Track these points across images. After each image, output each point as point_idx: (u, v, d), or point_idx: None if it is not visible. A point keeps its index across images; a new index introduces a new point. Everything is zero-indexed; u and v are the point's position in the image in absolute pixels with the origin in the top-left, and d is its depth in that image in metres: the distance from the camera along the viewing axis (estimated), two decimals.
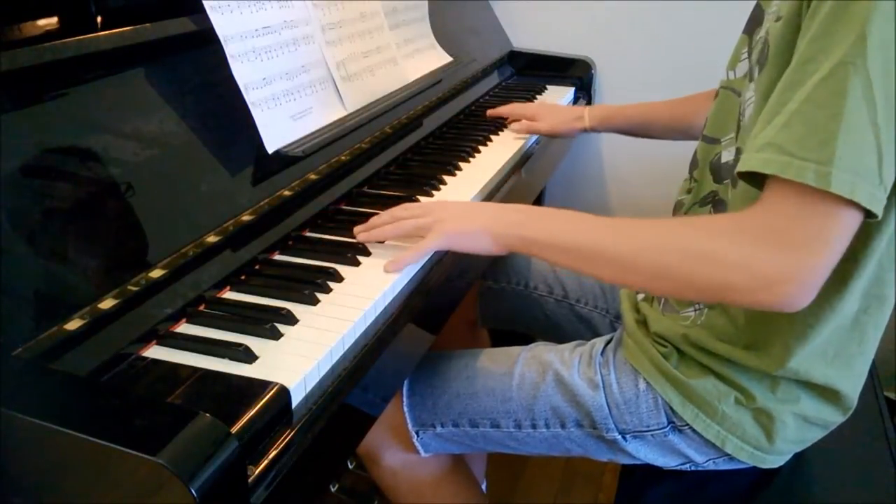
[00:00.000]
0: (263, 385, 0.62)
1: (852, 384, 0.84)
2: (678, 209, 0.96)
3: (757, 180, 0.68)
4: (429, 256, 0.86)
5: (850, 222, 0.64)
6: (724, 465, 0.89)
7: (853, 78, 0.61)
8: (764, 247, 0.65)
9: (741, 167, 0.67)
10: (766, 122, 0.67)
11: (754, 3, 0.86)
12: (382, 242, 0.89)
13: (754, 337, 0.81)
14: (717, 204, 0.86)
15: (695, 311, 0.87)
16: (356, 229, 0.89)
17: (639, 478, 0.96)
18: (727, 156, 0.85)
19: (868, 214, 0.64)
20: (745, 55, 0.84)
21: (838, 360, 0.82)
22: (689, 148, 0.97)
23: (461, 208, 0.88)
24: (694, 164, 0.93)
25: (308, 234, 0.93)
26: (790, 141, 0.63)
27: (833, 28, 0.63)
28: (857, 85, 0.61)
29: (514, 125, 1.33)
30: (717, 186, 0.87)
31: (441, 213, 0.86)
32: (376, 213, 0.92)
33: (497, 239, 0.82)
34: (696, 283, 0.70)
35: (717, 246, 0.68)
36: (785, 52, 0.70)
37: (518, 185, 1.19)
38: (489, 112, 1.36)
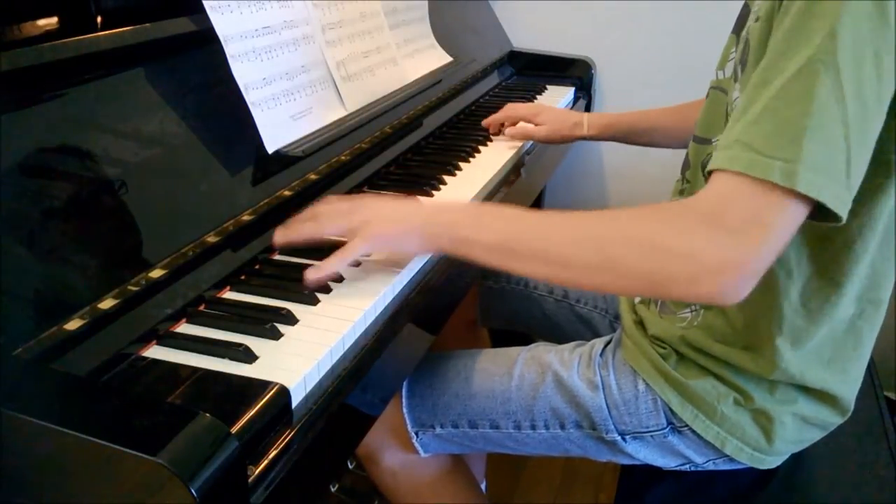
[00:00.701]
0: (263, 385, 0.62)
1: (848, 388, 0.84)
2: None
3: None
4: (352, 260, 0.79)
5: (796, 216, 0.63)
6: (723, 466, 0.89)
7: (822, 76, 0.60)
8: (706, 233, 0.63)
9: (711, 165, 0.66)
10: (735, 119, 0.66)
11: None
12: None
13: (749, 339, 0.81)
14: None
15: (691, 312, 0.87)
16: (276, 231, 0.81)
17: (638, 478, 0.96)
18: None
19: (827, 216, 0.62)
20: (733, 54, 0.84)
21: (834, 364, 0.82)
22: None
23: (390, 208, 0.80)
24: (686, 165, 0.93)
25: None
26: (758, 138, 0.62)
27: (803, 26, 0.62)
28: (826, 83, 0.60)
29: (510, 130, 1.29)
30: None
31: (368, 213, 0.79)
32: None
33: (427, 240, 0.77)
34: (638, 274, 0.67)
35: (657, 232, 0.66)
36: (761, 52, 0.70)
37: (518, 184, 1.19)
38: (484, 122, 1.32)
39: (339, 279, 0.81)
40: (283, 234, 0.81)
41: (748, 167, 0.62)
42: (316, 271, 0.76)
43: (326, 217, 0.80)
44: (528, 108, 1.31)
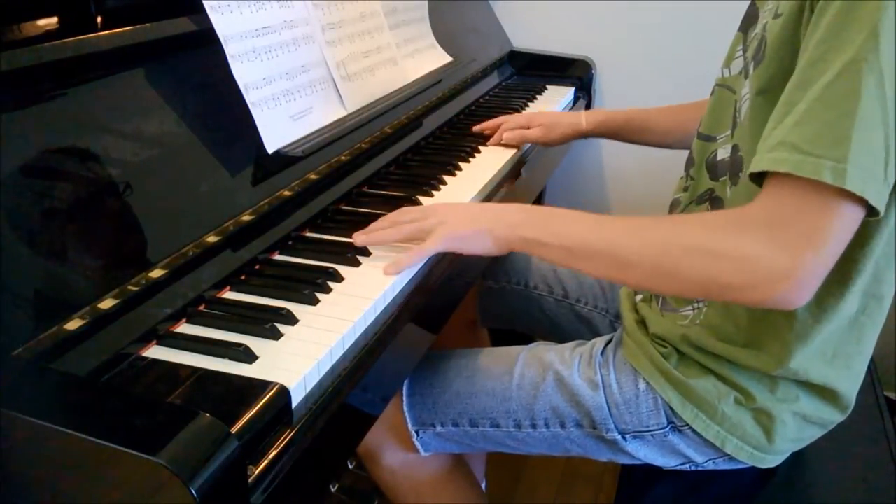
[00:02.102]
0: (263, 385, 0.62)
1: (850, 384, 0.84)
2: (674, 207, 0.96)
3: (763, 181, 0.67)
4: (428, 257, 0.85)
5: (852, 219, 0.64)
6: (723, 465, 0.89)
7: (866, 75, 0.61)
8: (765, 242, 0.65)
9: (753, 167, 0.66)
10: (776, 122, 0.66)
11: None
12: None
13: (754, 336, 0.81)
14: (713, 201, 0.87)
15: (693, 309, 0.87)
16: (355, 234, 0.88)
17: (639, 478, 0.96)
18: (723, 153, 0.85)
19: (871, 212, 0.63)
20: (740, 52, 0.84)
21: (837, 360, 0.82)
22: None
23: (461, 210, 0.88)
24: (690, 163, 0.93)
25: (308, 234, 0.93)
26: (803, 139, 0.63)
27: (843, 27, 0.62)
28: (870, 82, 0.61)
29: (507, 134, 1.28)
30: (714, 184, 0.87)
31: (441, 215, 0.85)
32: (376, 213, 0.92)
33: (498, 240, 0.82)
34: (697, 281, 0.70)
35: (717, 242, 0.68)
36: (783, 50, 0.70)
37: (518, 184, 1.19)
38: (475, 128, 1.30)
39: (340, 279, 0.81)
40: (365, 239, 0.87)
41: (796, 167, 0.62)
42: (394, 266, 0.82)
43: (403, 221, 0.86)
44: (523, 116, 1.31)
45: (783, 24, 0.70)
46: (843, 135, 0.61)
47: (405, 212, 0.89)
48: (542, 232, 0.79)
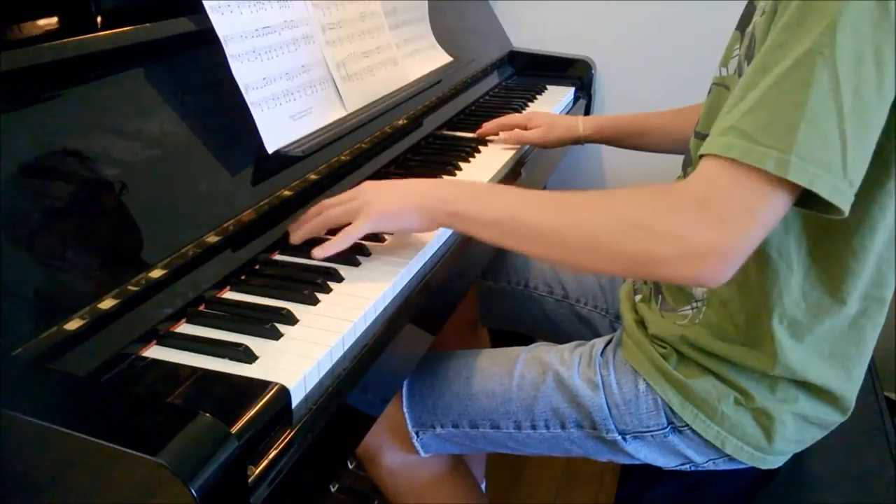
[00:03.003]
0: (263, 385, 0.62)
1: (850, 386, 0.84)
2: None
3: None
4: (356, 239, 0.82)
5: (783, 206, 0.64)
6: (723, 466, 0.89)
7: (820, 67, 0.60)
8: (696, 218, 0.65)
9: (704, 150, 0.66)
10: (732, 106, 0.66)
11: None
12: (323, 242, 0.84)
13: (750, 334, 0.81)
14: None
15: (692, 309, 0.87)
16: (290, 233, 0.86)
17: (638, 478, 0.96)
18: None
19: (828, 209, 0.63)
20: (737, 51, 0.84)
21: (835, 361, 0.82)
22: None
23: (388, 187, 0.85)
24: (687, 161, 0.93)
25: None
26: (754, 126, 0.63)
27: (804, 16, 0.62)
28: (823, 74, 0.60)
29: (504, 135, 1.28)
30: None
31: (368, 194, 0.83)
32: None
33: (425, 215, 0.80)
34: (625, 255, 0.69)
35: (647, 217, 0.67)
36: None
37: (518, 184, 1.19)
38: (477, 133, 1.30)
39: (340, 279, 0.81)
40: (296, 233, 0.85)
41: (743, 154, 0.63)
42: (322, 250, 0.81)
43: (330, 206, 0.84)
44: (521, 116, 1.31)
45: (765, 22, 0.70)
46: (791, 125, 0.61)
47: (335, 198, 0.87)
48: (470, 206, 0.78)
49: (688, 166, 0.92)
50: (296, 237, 0.86)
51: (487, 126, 1.30)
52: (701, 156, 0.67)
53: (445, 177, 1.10)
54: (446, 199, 0.79)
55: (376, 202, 0.82)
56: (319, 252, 0.81)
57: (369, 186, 0.85)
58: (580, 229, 0.71)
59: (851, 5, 0.60)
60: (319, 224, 0.84)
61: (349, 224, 0.82)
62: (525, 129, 1.28)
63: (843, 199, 0.62)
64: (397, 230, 0.84)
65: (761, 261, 0.77)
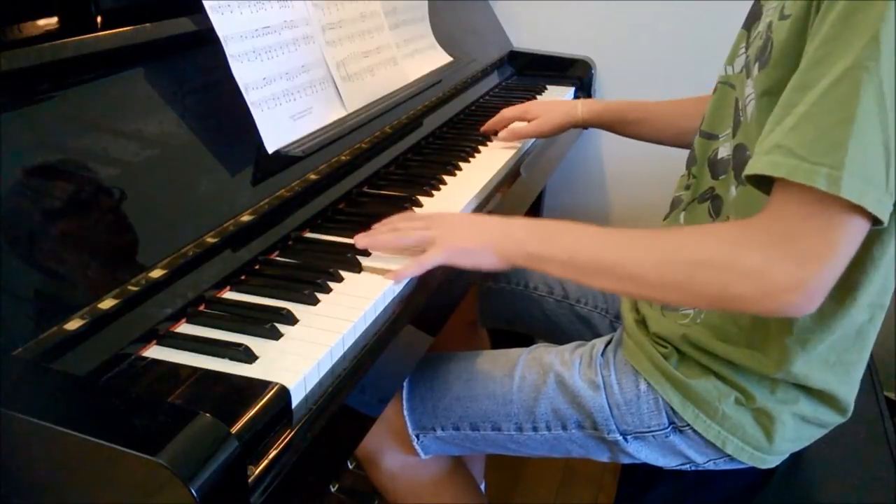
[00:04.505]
0: (263, 385, 0.62)
1: (850, 388, 0.84)
2: (676, 206, 0.96)
3: (764, 184, 0.67)
4: (429, 269, 0.83)
5: (858, 230, 0.63)
6: (723, 466, 0.89)
7: (866, 81, 0.60)
8: (772, 254, 0.64)
9: (749, 170, 0.66)
10: (774, 123, 0.66)
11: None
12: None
13: (755, 338, 0.81)
14: (714, 200, 0.86)
15: (693, 308, 0.87)
16: (357, 237, 0.87)
17: (639, 478, 0.96)
18: (724, 151, 0.85)
19: (874, 221, 0.63)
20: (743, 50, 0.84)
21: (839, 367, 0.82)
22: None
23: (465, 222, 0.87)
24: (692, 161, 0.93)
25: (308, 234, 0.93)
26: (800, 144, 0.62)
27: (845, 30, 0.62)
28: (869, 88, 0.60)
29: (502, 133, 1.28)
30: (714, 182, 0.87)
31: (444, 226, 0.84)
32: (376, 214, 0.92)
33: (502, 256, 0.81)
34: (705, 294, 0.69)
35: (726, 255, 0.67)
36: (790, 52, 0.69)
37: (518, 184, 1.19)
38: (482, 129, 1.30)
39: (340, 279, 0.81)
40: (366, 241, 0.86)
41: (791, 173, 0.62)
42: (395, 276, 0.81)
43: (407, 228, 0.85)
44: (519, 108, 1.30)
45: (791, 27, 0.69)
46: (839, 141, 0.60)
47: (408, 216, 0.88)
48: (548, 247, 0.79)
49: (692, 165, 0.92)
50: (364, 243, 0.86)
51: (488, 124, 1.29)
52: (746, 176, 0.67)
53: (446, 177, 1.11)
54: (523, 241, 0.80)
55: (454, 237, 0.83)
56: (393, 277, 0.81)
57: (447, 217, 0.87)
58: (660, 269, 0.71)
59: (892, 18, 0.60)
60: (393, 242, 0.85)
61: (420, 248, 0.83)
62: (523, 121, 1.27)
63: (885, 212, 0.62)
64: (469, 266, 0.84)
65: None
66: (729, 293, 0.67)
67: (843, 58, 0.61)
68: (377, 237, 0.87)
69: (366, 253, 0.87)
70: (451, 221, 0.86)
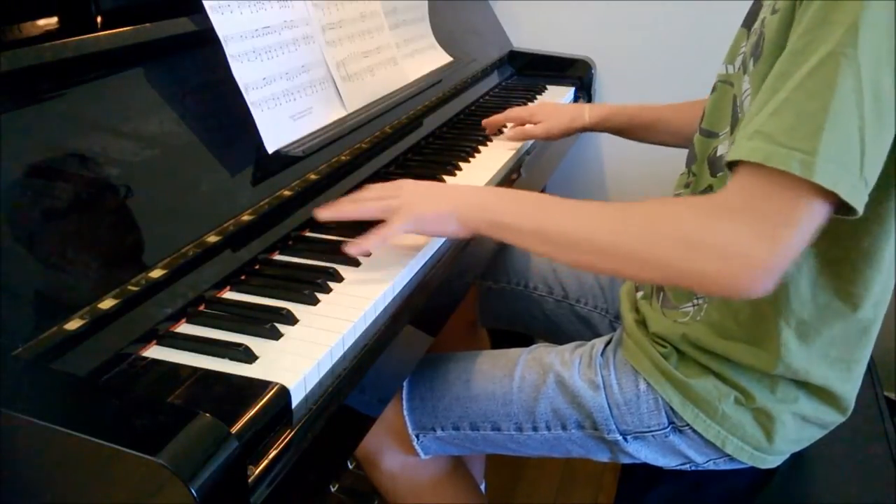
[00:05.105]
0: (263, 385, 0.62)
1: (850, 387, 0.84)
2: None
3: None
4: (393, 239, 0.82)
5: (821, 213, 0.63)
6: (723, 466, 0.89)
7: (843, 69, 0.61)
8: (742, 230, 0.64)
9: (730, 156, 0.67)
10: (755, 111, 0.66)
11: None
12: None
13: (754, 333, 0.81)
14: None
15: (693, 306, 0.87)
16: (318, 209, 0.85)
17: (639, 478, 0.96)
18: (723, 149, 0.85)
19: (847, 211, 0.63)
20: (743, 48, 0.84)
21: (839, 363, 0.82)
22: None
23: (428, 189, 0.85)
24: (691, 159, 0.93)
25: (308, 234, 0.93)
26: (778, 130, 0.63)
27: (826, 19, 0.63)
28: (846, 76, 0.61)
29: (508, 132, 1.28)
30: (713, 180, 0.87)
31: (408, 194, 0.82)
32: None
33: (465, 222, 0.80)
34: (674, 267, 0.69)
35: (694, 230, 0.67)
36: (780, 45, 0.70)
37: (518, 184, 1.19)
38: (485, 122, 1.30)
39: (340, 279, 0.81)
40: (328, 213, 0.85)
41: (767, 158, 0.62)
42: (355, 247, 0.80)
43: (368, 199, 0.84)
44: (526, 110, 1.30)
45: (779, 20, 0.70)
46: (816, 127, 0.61)
47: (374, 187, 0.86)
48: (513, 216, 0.77)
49: (692, 163, 0.92)
50: (325, 214, 0.85)
51: (494, 119, 1.29)
52: (728, 163, 0.67)
53: (446, 177, 1.11)
54: (487, 208, 0.79)
55: (417, 205, 0.81)
56: (353, 249, 0.80)
57: (410, 186, 0.84)
58: (628, 242, 0.71)
59: (872, 7, 0.61)
60: (354, 212, 0.84)
61: (382, 221, 0.81)
62: (530, 123, 1.27)
63: (860, 200, 0.62)
64: (434, 234, 0.83)
65: None
66: (690, 267, 0.67)
67: (823, 45, 0.62)
68: (340, 208, 0.85)
69: (366, 252, 0.87)
70: (416, 190, 0.84)
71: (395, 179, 1.09)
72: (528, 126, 1.27)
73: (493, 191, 0.82)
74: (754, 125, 0.65)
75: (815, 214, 0.63)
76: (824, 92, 0.61)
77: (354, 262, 0.85)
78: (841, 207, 0.63)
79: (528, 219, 0.76)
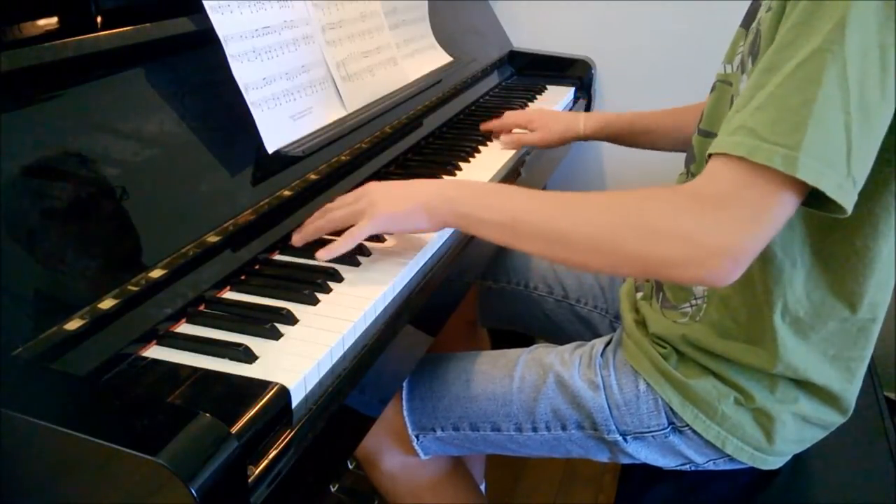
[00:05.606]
0: (263, 385, 0.62)
1: (851, 387, 0.84)
2: None
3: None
4: (361, 240, 0.82)
5: (791, 206, 0.64)
6: (723, 466, 0.89)
7: (829, 65, 0.61)
8: (706, 219, 0.64)
9: (713, 149, 0.66)
10: (741, 105, 0.66)
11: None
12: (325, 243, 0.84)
13: (752, 332, 0.81)
14: None
15: (692, 306, 0.87)
16: (294, 234, 0.86)
17: (639, 478, 0.96)
18: None
19: (836, 209, 0.63)
20: (741, 48, 0.84)
21: (838, 362, 0.82)
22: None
23: (393, 188, 0.84)
24: (690, 159, 0.93)
25: None
26: (762, 125, 0.63)
27: (813, 15, 0.62)
28: (832, 72, 0.61)
29: (504, 138, 1.28)
30: None
31: (373, 195, 0.82)
32: None
33: (433, 216, 0.80)
34: (635, 256, 0.68)
35: (656, 218, 0.67)
36: (772, 43, 0.70)
37: (518, 185, 1.19)
38: (482, 127, 1.30)
39: (340, 279, 0.81)
40: (300, 236, 0.86)
41: (750, 152, 0.62)
42: (326, 251, 0.81)
43: (334, 208, 0.85)
44: (523, 115, 1.30)
45: (772, 18, 0.70)
46: (799, 123, 0.61)
47: (338, 199, 0.87)
48: (477, 207, 0.78)
49: (691, 163, 0.92)
50: (298, 238, 0.86)
51: (492, 125, 1.29)
52: (710, 155, 0.67)
53: (446, 177, 1.11)
54: (453, 200, 0.79)
55: (381, 204, 0.81)
56: (323, 254, 0.81)
57: (374, 187, 0.84)
58: (588, 231, 0.70)
59: (860, 4, 0.60)
60: (323, 226, 0.84)
61: (353, 225, 0.82)
62: (526, 129, 1.27)
63: (847, 198, 0.62)
64: (403, 231, 0.84)
65: (765, 257, 0.77)
66: (656, 256, 0.67)
67: (809, 41, 0.62)
68: (308, 227, 0.85)
69: (366, 252, 0.87)
70: (380, 190, 0.84)
71: (395, 179, 1.10)
72: (524, 133, 1.27)
73: (459, 183, 0.82)
74: (738, 120, 0.65)
75: (785, 206, 0.63)
76: (809, 88, 0.61)
77: (354, 262, 0.85)
78: (828, 205, 0.63)
79: (493, 210, 0.76)
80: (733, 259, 0.64)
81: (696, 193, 0.66)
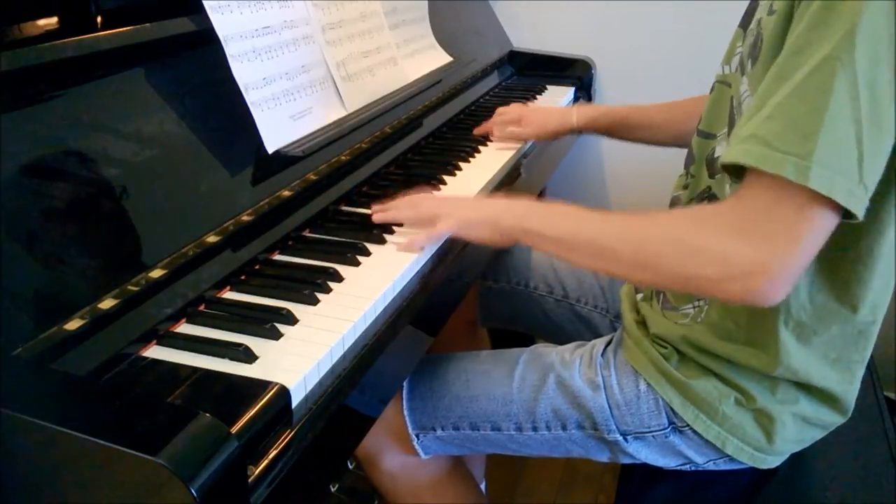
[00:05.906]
0: (263, 385, 0.62)
1: (851, 388, 0.84)
2: (674, 205, 0.96)
3: (739, 172, 0.67)
4: (441, 242, 0.90)
5: (825, 221, 0.64)
6: (723, 466, 0.89)
7: (839, 73, 0.60)
8: (739, 237, 0.65)
9: (724, 158, 0.67)
10: (751, 113, 0.66)
11: None
12: (392, 231, 0.93)
13: (754, 334, 0.81)
14: (711, 199, 0.86)
15: (693, 307, 0.87)
16: (374, 210, 0.94)
17: (639, 478, 0.96)
18: (720, 150, 0.85)
19: (847, 215, 0.63)
20: (739, 49, 0.84)
21: (839, 364, 0.82)
22: None
23: (473, 201, 0.94)
24: (690, 160, 0.93)
25: (308, 234, 0.93)
26: (772, 133, 0.63)
27: (823, 22, 0.62)
28: (842, 81, 0.60)
29: (496, 132, 1.28)
30: (711, 181, 0.87)
31: (455, 202, 0.92)
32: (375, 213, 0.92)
33: (504, 230, 0.84)
34: (675, 273, 0.70)
35: (695, 236, 0.69)
36: (777, 47, 0.70)
37: (518, 184, 1.19)
38: (476, 131, 1.31)
39: (340, 279, 0.81)
40: (383, 215, 0.93)
41: (761, 161, 0.63)
42: (408, 246, 0.89)
43: (419, 204, 0.92)
44: (515, 112, 1.31)
45: (776, 22, 0.70)
46: (810, 131, 0.61)
47: (422, 197, 0.95)
48: (542, 224, 0.82)
49: (690, 164, 0.92)
50: (380, 218, 0.93)
51: (485, 127, 1.30)
52: (723, 165, 0.68)
53: (446, 177, 1.11)
54: (521, 217, 0.84)
55: (461, 209, 0.89)
56: (406, 248, 0.89)
57: (454, 197, 0.97)
58: (631, 247, 0.73)
59: (870, 12, 0.60)
60: (409, 217, 0.92)
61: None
62: (518, 125, 1.28)
63: (858, 204, 0.62)
64: (474, 239, 0.89)
65: None
66: (695, 274, 0.68)
67: (819, 49, 0.62)
68: (394, 212, 0.93)
69: (366, 252, 0.87)
70: (460, 200, 0.95)
71: (394, 180, 1.10)
72: (517, 130, 1.27)
73: (526, 203, 0.87)
74: (749, 128, 0.65)
75: (819, 222, 0.63)
76: (819, 96, 0.61)
77: (354, 262, 0.85)
78: (842, 212, 0.63)
79: (554, 227, 0.81)
80: (769, 277, 0.64)
81: (732, 212, 0.67)
